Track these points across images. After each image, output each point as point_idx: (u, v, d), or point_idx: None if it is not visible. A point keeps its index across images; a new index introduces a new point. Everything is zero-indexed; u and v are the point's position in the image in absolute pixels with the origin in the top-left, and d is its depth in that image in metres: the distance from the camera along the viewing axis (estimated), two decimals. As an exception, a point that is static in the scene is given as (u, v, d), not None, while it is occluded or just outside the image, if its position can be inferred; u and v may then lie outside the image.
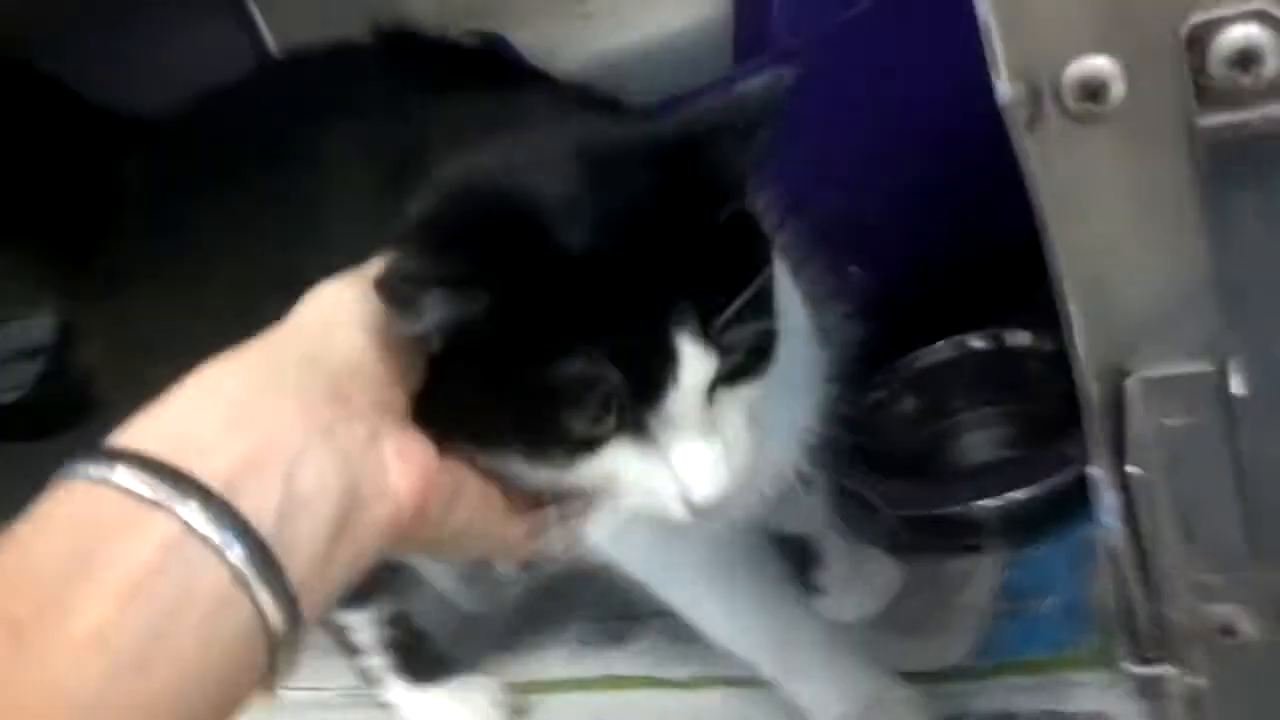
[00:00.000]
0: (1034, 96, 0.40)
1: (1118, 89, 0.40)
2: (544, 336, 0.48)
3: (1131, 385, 0.44)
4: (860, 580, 0.84)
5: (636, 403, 0.49)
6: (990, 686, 0.75)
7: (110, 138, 0.89)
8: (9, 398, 1.30)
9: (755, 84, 0.51)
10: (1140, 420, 0.44)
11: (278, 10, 1.35)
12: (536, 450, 0.51)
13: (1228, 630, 0.47)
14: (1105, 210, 0.42)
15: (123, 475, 0.40)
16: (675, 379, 0.49)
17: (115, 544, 0.39)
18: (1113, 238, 0.42)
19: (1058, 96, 0.40)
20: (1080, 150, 0.41)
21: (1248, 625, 0.47)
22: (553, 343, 0.48)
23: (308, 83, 0.80)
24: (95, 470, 0.41)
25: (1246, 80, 0.38)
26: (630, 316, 0.49)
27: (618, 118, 0.58)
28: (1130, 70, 0.40)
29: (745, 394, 0.53)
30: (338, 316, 0.48)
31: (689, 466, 0.50)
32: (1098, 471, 0.41)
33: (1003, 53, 0.39)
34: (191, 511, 0.40)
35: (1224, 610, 0.47)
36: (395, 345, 0.48)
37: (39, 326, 1.31)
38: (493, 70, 0.81)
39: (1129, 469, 0.41)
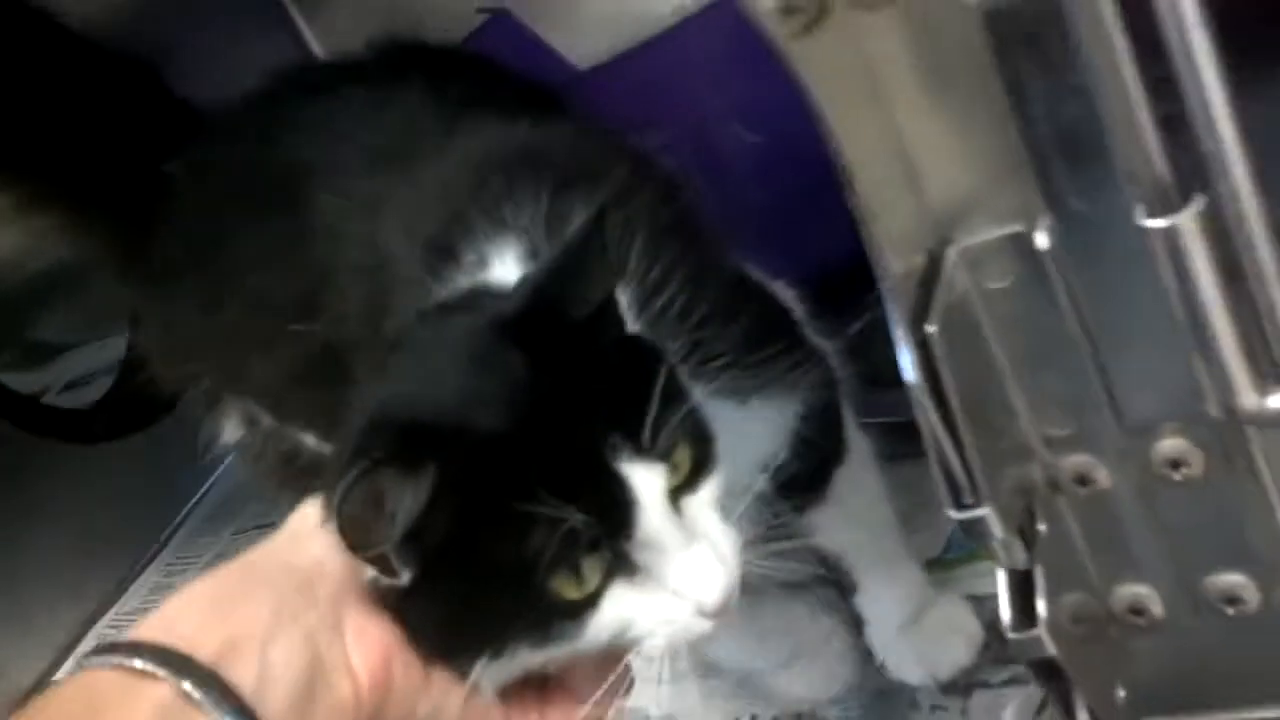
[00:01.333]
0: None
1: (892, -25, 0.42)
2: (500, 520, 0.51)
3: (951, 255, 0.47)
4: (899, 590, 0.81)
5: (611, 540, 0.51)
6: (960, 575, 0.78)
7: (172, 127, 0.96)
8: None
9: (575, 231, 0.55)
10: (963, 287, 0.47)
11: (322, 16, 1.41)
12: (542, 634, 0.52)
13: (1082, 480, 0.50)
14: (903, 94, 0.45)
15: (120, 657, 0.47)
16: (636, 501, 0.51)
17: (114, 707, 0.46)
18: (915, 119, 0.45)
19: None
20: (869, 40, 0.44)
21: (1102, 474, 0.50)
22: (511, 521, 0.50)
23: (313, 106, 0.85)
24: (98, 659, 0.48)
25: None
26: (568, 466, 0.51)
27: (473, 301, 0.60)
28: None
29: (708, 490, 0.55)
30: (307, 527, 0.55)
31: (686, 580, 0.52)
32: (899, 333, 0.44)
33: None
34: (180, 679, 0.46)
35: (1078, 460, 0.50)
36: None
37: (115, 345, 1.39)
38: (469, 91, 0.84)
39: (927, 329, 0.44)
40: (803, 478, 0.68)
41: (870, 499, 0.75)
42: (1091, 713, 0.50)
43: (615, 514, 0.51)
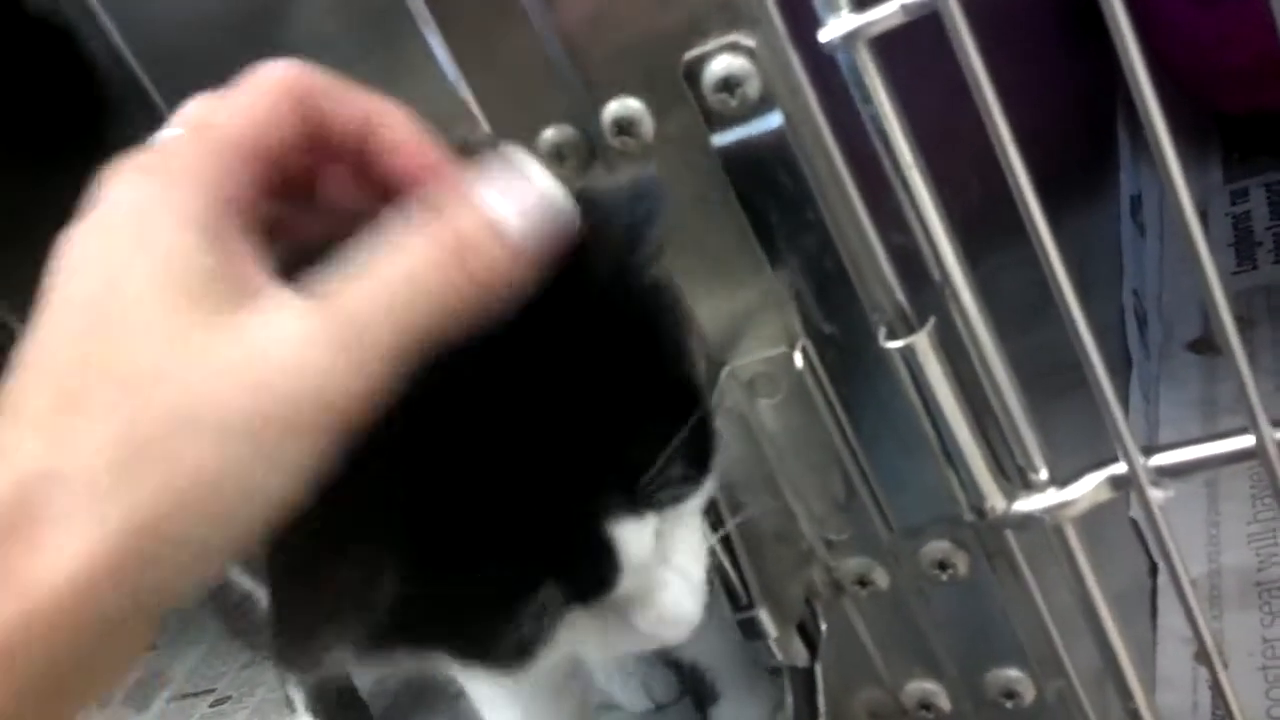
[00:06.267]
0: (585, 138, 0.48)
1: (648, 125, 0.47)
2: (452, 585, 0.39)
3: (725, 375, 0.50)
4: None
5: (581, 599, 0.41)
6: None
7: None
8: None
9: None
10: (738, 403, 0.51)
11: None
12: (477, 663, 0.42)
13: (862, 581, 0.53)
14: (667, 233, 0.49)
15: None
16: (620, 567, 0.40)
17: None
18: (680, 255, 0.49)
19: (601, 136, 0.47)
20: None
21: (880, 575, 0.53)
22: (464, 587, 0.39)
23: None
24: None
25: (734, 102, 0.45)
26: (547, 531, 0.39)
27: None
28: (654, 107, 0.47)
29: (694, 505, 0.43)
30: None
31: (657, 625, 0.42)
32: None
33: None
34: None
35: (856, 563, 0.53)
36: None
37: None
38: None
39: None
40: None
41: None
42: (883, 804, 0.53)
43: (594, 582, 0.40)
